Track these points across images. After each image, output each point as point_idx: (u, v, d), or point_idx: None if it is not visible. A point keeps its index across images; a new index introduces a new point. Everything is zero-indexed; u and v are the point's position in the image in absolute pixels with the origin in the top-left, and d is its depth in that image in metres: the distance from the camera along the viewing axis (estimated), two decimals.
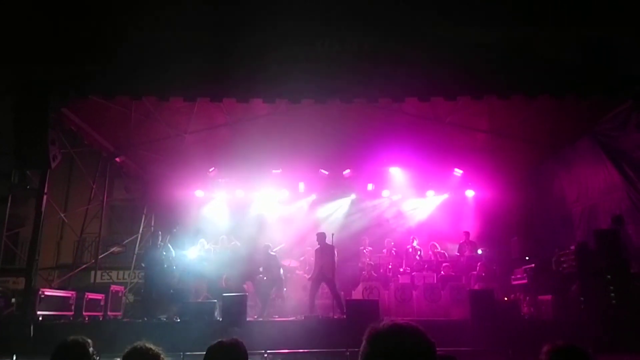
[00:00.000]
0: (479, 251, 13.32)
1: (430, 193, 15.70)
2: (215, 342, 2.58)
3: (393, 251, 13.68)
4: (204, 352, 2.59)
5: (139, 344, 2.55)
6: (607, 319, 8.75)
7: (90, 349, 2.81)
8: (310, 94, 9.90)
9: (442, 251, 13.63)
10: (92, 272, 14.12)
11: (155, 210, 15.52)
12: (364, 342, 1.61)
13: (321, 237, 11.37)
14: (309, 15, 9.02)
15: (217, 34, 9.23)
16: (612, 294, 9.16)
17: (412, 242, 13.77)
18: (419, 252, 13.53)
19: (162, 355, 2.55)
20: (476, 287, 11.53)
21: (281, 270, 12.38)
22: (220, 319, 9.26)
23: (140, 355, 2.51)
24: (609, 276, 9.29)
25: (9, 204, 10.72)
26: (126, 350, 2.52)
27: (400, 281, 12.36)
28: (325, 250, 11.16)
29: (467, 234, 13.85)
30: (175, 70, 9.34)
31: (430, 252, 13.58)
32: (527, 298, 11.42)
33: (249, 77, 9.45)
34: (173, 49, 9.30)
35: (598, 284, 9.40)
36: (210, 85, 9.62)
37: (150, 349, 2.54)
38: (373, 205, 15.87)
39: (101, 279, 16.21)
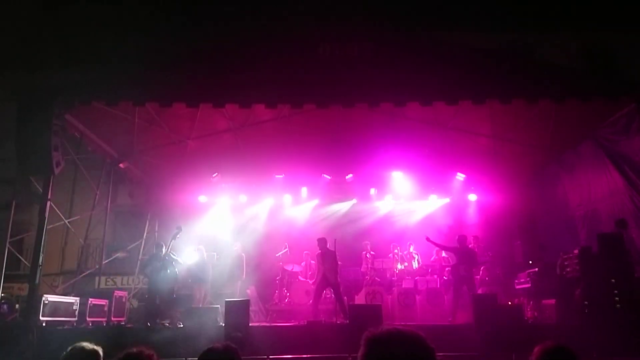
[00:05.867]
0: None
1: (432, 197, 15.69)
2: (207, 348, 2.55)
3: (397, 255, 13.66)
4: None
5: (131, 349, 2.54)
6: (611, 323, 8.71)
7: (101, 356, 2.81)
8: (312, 99, 9.94)
9: (446, 256, 13.59)
10: (96, 278, 14.16)
11: (159, 216, 15.55)
12: (361, 347, 1.60)
13: (322, 242, 11.33)
14: (310, 19, 9.07)
15: (219, 39, 9.28)
16: (617, 298, 9.12)
17: (409, 247, 13.76)
18: (416, 258, 13.52)
19: (154, 357, 2.54)
20: (479, 291, 11.49)
21: None
22: (223, 324, 9.25)
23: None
24: (613, 280, 9.25)
25: (12, 210, 10.76)
26: (119, 357, 2.51)
27: (403, 286, 12.35)
28: (326, 255, 11.13)
29: (475, 238, 13.85)
30: (178, 75, 9.39)
31: (435, 257, 13.55)
32: (531, 302, 11.37)
33: (251, 82, 9.49)
34: (175, 54, 9.36)
35: (602, 288, 9.35)
36: (212, 91, 9.66)
37: (142, 351, 2.53)
38: (375, 210, 15.86)
39: (105, 284, 16.24)
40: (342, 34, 9.55)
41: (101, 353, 2.79)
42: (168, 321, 10.43)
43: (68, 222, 13.91)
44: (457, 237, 11.74)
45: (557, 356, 2.50)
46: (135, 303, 14.50)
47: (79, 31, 9.05)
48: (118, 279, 17.35)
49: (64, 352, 2.73)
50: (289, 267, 13.46)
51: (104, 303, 11.38)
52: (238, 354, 2.55)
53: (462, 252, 11.36)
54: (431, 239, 11.85)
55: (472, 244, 13.65)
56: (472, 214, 15.30)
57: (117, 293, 12.15)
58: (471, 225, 14.76)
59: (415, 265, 13.54)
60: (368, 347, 1.57)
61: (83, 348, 2.77)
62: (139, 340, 2.66)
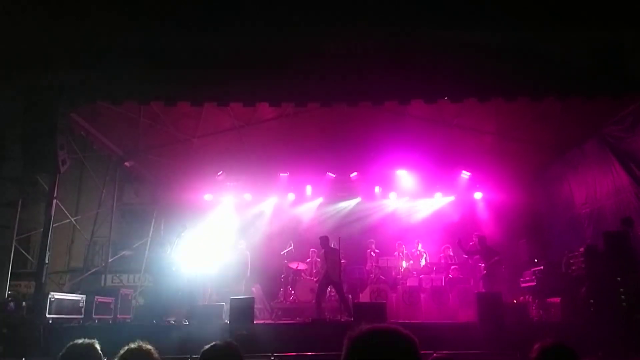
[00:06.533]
0: None
1: (437, 195, 15.67)
2: (209, 345, 2.58)
3: (402, 253, 13.65)
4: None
5: (132, 344, 2.58)
6: (617, 322, 8.69)
7: (99, 350, 2.84)
8: (316, 97, 9.93)
9: (452, 254, 13.56)
10: (103, 276, 14.23)
11: (164, 214, 15.62)
12: (343, 350, 1.60)
13: (324, 240, 11.33)
14: (313, 18, 9.04)
15: (222, 38, 9.28)
16: (622, 296, 9.09)
17: (417, 245, 13.73)
18: (424, 256, 13.48)
19: (154, 353, 2.57)
20: (483, 289, 11.48)
21: None
22: (228, 322, 9.30)
23: (133, 354, 2.53)
24: (618, 278, 9.22)
25: (19, 208, 10.84)
26: (121, 352, 2.54)
27: (408, 284, 12.34)
28: (329, 253, 11.13)
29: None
30: (181, 74, 9.40)
31: (442, 255, 13.53)
32: (536, 300, 11.34)
33: (255, 81, 9.49)
34: (179, 53, 9.36)
35: (607, 286, 9.32)
36: (216, 90, 9.68)
37: (141, 346, 2.56)
38: (380, 208, 15.85)
39: (111, 282, 16.33)
40: (346, 32, 9.53)
41: (97, 346, 2.81)
42: (173, 319, 10.48)
43: (74, 220, 14.02)
44: (477, 238, 11.84)
45: (556, 354, 2.51)
46: (141, 300, 14.59)
47: (83, 30, 9.06)
48: (124, 277, 17.44)
49: (60, 353, 2.74)
50: (293, 265, 13.49)
51: (110, 301, 11.45)
52: (239, 351, 2.57)
53: (484, 253, 11.59)
54: (462, 244, 12.07)
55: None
56: (477, 212, 15.27)
57: (123, 291, 12.22)
58: (476, 223, 14.72)
59: (423, 263, 13.50)
60: (349, 349, 1.57)
61: (79, 344, 2.79)
62: (144, 338, 2.68)
